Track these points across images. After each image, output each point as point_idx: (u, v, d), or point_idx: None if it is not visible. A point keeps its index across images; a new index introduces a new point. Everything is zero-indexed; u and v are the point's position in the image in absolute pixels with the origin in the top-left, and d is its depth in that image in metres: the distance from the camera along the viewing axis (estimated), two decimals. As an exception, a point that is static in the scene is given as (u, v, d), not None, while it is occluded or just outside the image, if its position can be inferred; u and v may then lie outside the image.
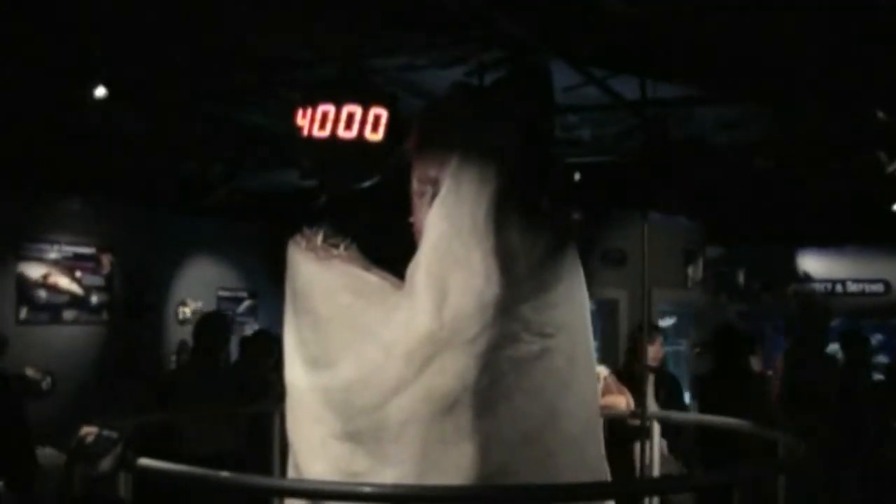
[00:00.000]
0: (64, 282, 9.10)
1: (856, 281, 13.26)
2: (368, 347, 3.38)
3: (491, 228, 3.35)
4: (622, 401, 5.70)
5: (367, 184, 4.76)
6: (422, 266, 3.41)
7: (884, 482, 6.77)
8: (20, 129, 6.97)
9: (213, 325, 7.15)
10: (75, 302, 9.22)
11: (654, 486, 4.16)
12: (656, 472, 4.99)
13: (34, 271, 8.91)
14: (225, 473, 3.26)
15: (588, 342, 3.76)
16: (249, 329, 10.53)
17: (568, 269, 3.63)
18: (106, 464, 3.24)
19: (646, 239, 5.40)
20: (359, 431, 3.34)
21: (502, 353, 3.26)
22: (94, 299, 9.42)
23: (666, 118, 7.33)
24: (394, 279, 3.67)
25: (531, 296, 3.38)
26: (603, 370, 5.86)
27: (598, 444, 3.85)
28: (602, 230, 9.73)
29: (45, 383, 8.52)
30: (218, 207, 9.86)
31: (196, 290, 9.76)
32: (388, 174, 5.06)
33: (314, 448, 3.51)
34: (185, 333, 8.43)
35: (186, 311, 10.16)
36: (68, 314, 9.14)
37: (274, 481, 3.89)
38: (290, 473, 3.72)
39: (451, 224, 3.39)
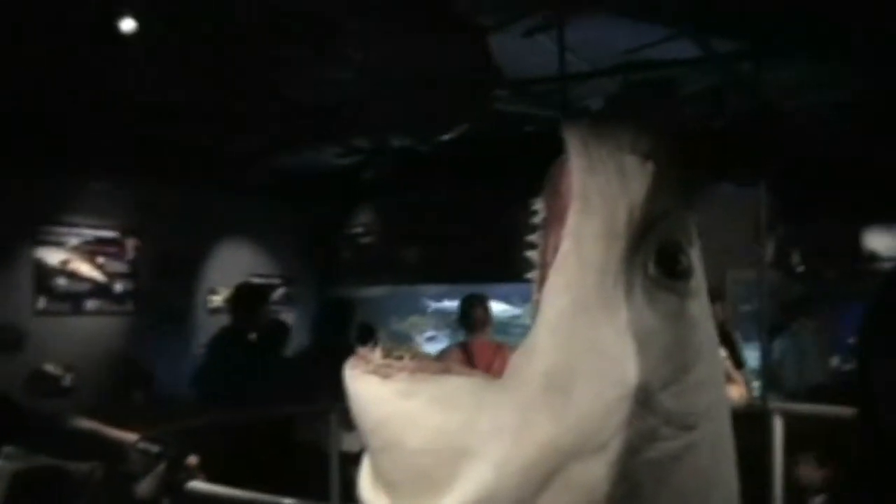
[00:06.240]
0: (85, 269, 8.64)
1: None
2: (475, 468, 2.62)
3: (622, 297, 2.57)
4: (735, 391, 5.09)
5: (450, 135, 3.98)
6: (537, 355, 2.62)
7: None
8: (35, 98, 6.43)
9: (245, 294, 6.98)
10: (97, 290, 8.75)
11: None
12: (778, 473, 4.41)
13: (52, 258, 8.41)
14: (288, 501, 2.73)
15: (729, 427, 3.07)
16: (284, 318, 9.97)
17: (707, 337, 2.86)
18: (145, 486, 2.58)
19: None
20: None
21: (640, 456, 2.52)
22: (118, 287, 8.93)
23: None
24: (482, 373, 2.91)
25: (671, 380, 2.61)
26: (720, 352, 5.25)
27: None
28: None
29: (67, 379, 8.02)
30: (252, 187, 9.34)
31: (227, 277, 9.15)
32: (472, 126, 4.33)
33: None
34: (216, 323, 7.80)
35: (216, 300, 9.58)
36: (90, 304, 8.66)
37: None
38: None
39: (573, 298, 2.59)
